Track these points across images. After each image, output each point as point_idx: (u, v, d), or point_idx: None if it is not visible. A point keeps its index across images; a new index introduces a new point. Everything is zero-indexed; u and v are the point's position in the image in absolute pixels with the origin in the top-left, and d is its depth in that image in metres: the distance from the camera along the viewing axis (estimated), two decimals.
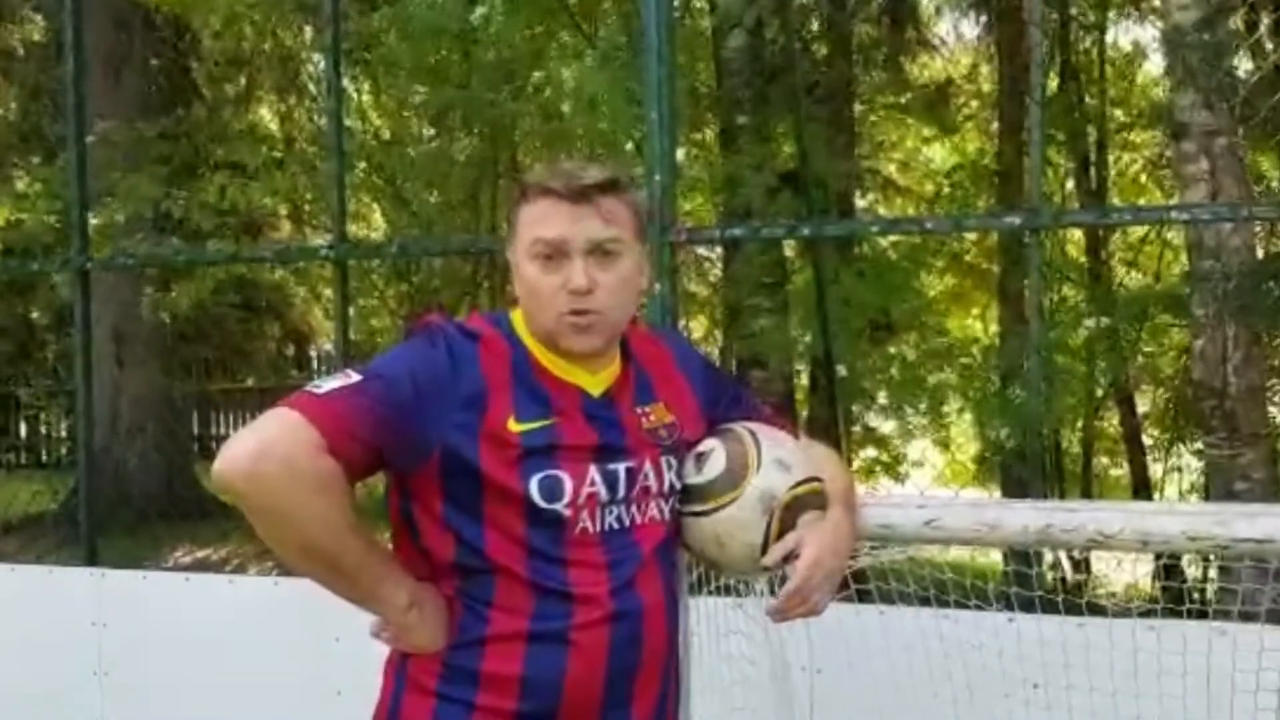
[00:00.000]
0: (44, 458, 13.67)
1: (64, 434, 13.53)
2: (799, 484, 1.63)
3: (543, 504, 1.48)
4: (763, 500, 1.60)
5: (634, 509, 1.55)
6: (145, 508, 9.41)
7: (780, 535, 1.61)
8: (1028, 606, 2.62)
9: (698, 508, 1.62)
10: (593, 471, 1.51)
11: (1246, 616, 2.43)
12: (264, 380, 15.02)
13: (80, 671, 3.45)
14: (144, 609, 3.44)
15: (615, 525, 1.53)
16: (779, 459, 1.63)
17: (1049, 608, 2.56)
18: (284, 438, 1.40)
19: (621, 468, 1.54)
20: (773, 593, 1.69)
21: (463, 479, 1.48)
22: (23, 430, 14.26)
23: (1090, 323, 6.04)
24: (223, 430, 15.32)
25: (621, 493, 1.53)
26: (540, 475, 1.48)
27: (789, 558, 1.60)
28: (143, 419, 9.89)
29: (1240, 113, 4.54)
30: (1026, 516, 1.74)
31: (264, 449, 1.40)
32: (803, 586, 1.58)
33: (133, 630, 3.43)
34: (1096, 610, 2.92)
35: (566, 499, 1.49)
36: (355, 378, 1.48)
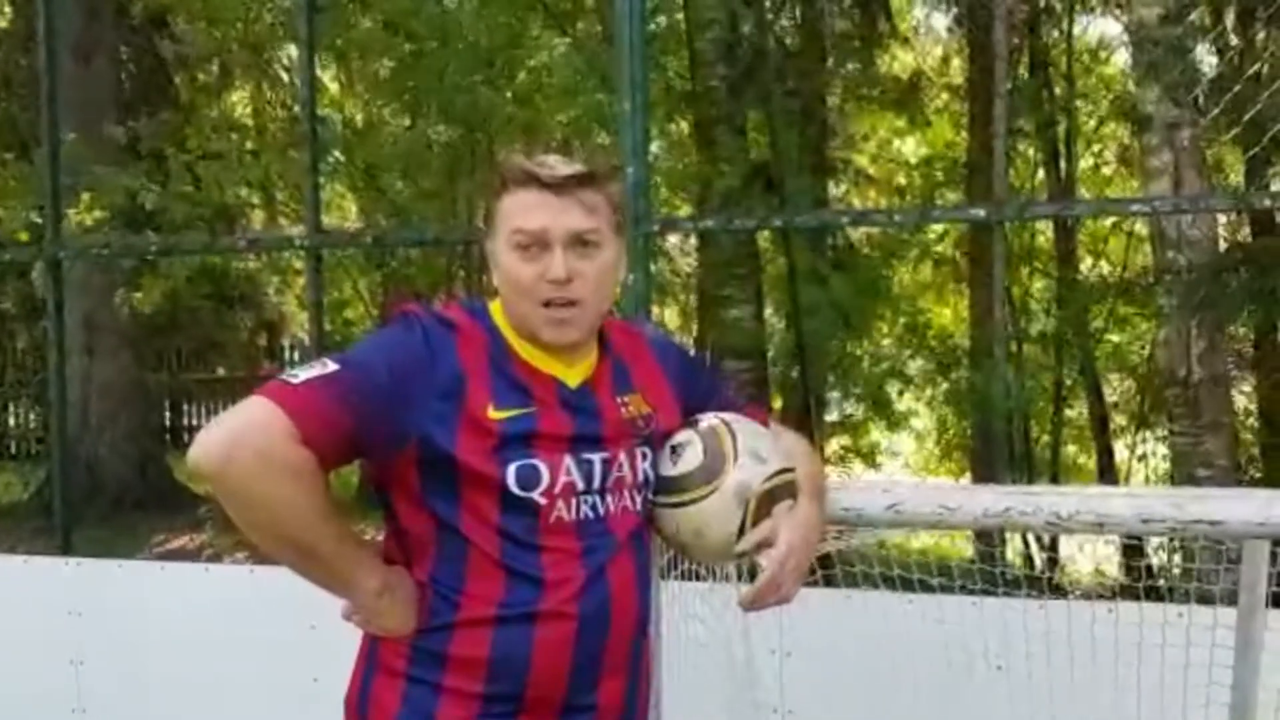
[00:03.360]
0: (13, 449, 13.53)
1: (33, 425, 13.38)
2: (773, 475, 1.66)
3: (519, 492, 1.51)
4: (739, 493, 1.63)
5: (609, 499, 1.57)
6: (119, 497, 9.37)
7: (755, 525, 1.64)
8: (991, 591, 2.69)
9: (674, 499, 1.65)
10: (568, 461, 1.54)
11: (1205, 599, 2.51)
12: (236, 370, 14.95)
13: (56, 661, 3.47)
14: (119, 598, 3.45)
15: (590, 514, 1.55)
16: (755, 451, 1.66)
17: (1012, 591, 2.63)
18: (258, 427, 1.42)
19: (597, 458, 1.56)
20: (741, 578, 1.73)
21: (440, 466, 1.50)
22: None
23: (1057, 312, 6.13)
24: (195, 420, 15.23)
25: (597, 483, 1.56)
26: (518, 463, 1.51)
27: (761, 546, 1.64)
28: (114, 409, 9.83)
29: (1203, 106, 4.64)
30: (986, 500, 1.80)
31: (238, 438, 1.41)
32: (776, 576, 1.61)
33: (108, 619, 3.45)
34: (1059, 593, 3.00)
35: (543, 487, 1.52)
36: (331, 367, 1.49)
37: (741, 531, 1.63)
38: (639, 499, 1.62)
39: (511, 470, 1.50)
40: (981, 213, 3.32)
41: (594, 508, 1.56)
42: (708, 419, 1.69)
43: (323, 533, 1.48)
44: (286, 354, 14.99)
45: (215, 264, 8.25)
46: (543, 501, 1.52)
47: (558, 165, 1.55)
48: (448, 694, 1.51)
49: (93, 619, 3.45)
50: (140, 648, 3.40)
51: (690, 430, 1.67)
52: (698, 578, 2.62)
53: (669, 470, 1.65)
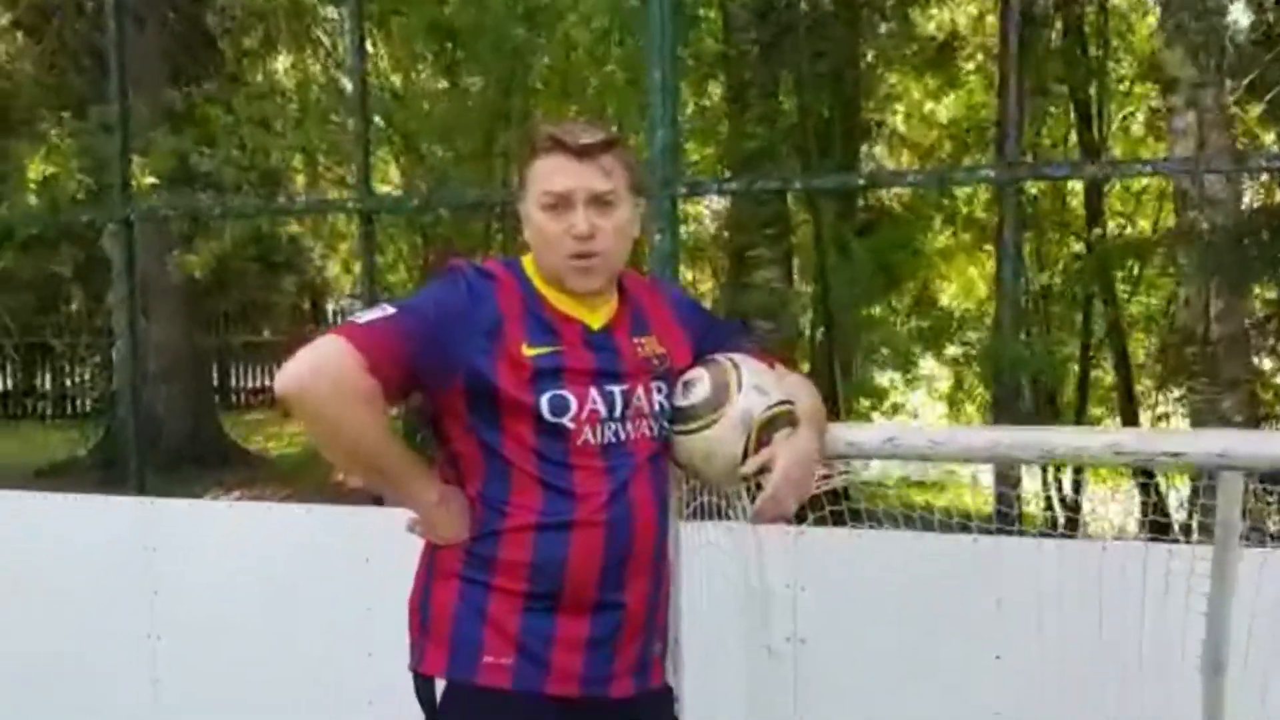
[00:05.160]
0: (71, 408, 13.96)
1: (89, 384, 13.78)
2: (773, 406, 1.88)
3: (551, 418, 1.74)
4: (742, 420, 1.85)
5: (629, 426, 1.81)
6: (174, 454, 9.74)
7: (757, 450, 1.87)
8: (989, 531, 2.87)
9: (686, 427, 1.88)
10: (593, 392, 1.77)
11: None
12: (281, 333, 15.32)
13: (132, 592, 3.68)
14: (190, 535, 3.68)
15: (613, 439, 1.79)
16: (757, 385, 1.89)
17: (1008, 529, 2.81)
18: (333, 359, 1.67)
19: (618, 390, 1.80)
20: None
21: (484, 396, 1.74)
22: (48, 382, 14.56)
23: (1082, 273, 6.23)
24: (242, 382, 15.64)
25: (618, 411, 1.79)
26: (550, 394, 1.75)
27: (764, 469, 1.86)
28: (169, 369, 10.20)
29: (1230, 68, 4.71)
30: (974, 434, 2.00)
31: (316, 369, 1.67)
32: (775, 493, 1.84)
33: (180, 554, 3.66)
34: (1064, 536, 3.17)
35: (571, 414, 1.75)
36: (391, 310, 1.75)
37: (745, 456, 1.85)
38: (655, 427, 1.84)
39: (544, 399, 1.74)
40: (991, 173, 3.46)
41: (616, 433, 1.79)
42: (716, 358, 1.92)
43: (388, 450, 1.74)
44: (330, 318, 15.34)
45: (262, 229, 8.53)
46: (572, 426, 1.75)
47: (580, 134, 1.78)
48: (497, 592, 1.76)
49: (166, 553, 3.67)
50: (210, 579, 3.61)
51: (700, 367, 1.90)
52: (718, 516, 2.84)
53: (681, 402, 1.87)
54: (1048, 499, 7.18)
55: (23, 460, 10.21)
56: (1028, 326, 6.88)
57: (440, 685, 1.79)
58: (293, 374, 1.67)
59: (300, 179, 9.84)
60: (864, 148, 8.79)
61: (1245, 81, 4.87)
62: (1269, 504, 3.28)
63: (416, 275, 7.21)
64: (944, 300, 7.75)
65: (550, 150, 1.79)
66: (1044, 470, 7.36)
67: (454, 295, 1.77)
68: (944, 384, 7.97)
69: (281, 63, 10.92)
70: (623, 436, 1.80)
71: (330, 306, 15.53)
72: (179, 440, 10.15)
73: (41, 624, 3.81)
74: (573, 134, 1.79)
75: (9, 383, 14.65)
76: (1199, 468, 2.14)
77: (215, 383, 14.40)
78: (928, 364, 7.44)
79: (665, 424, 1.87)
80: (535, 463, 1.75)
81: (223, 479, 9.37)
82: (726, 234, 8.77)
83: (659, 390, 1.86)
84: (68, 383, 14.30)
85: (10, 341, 12.75)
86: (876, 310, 7.12)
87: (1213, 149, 4.48)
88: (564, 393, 1.75)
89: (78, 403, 13.84)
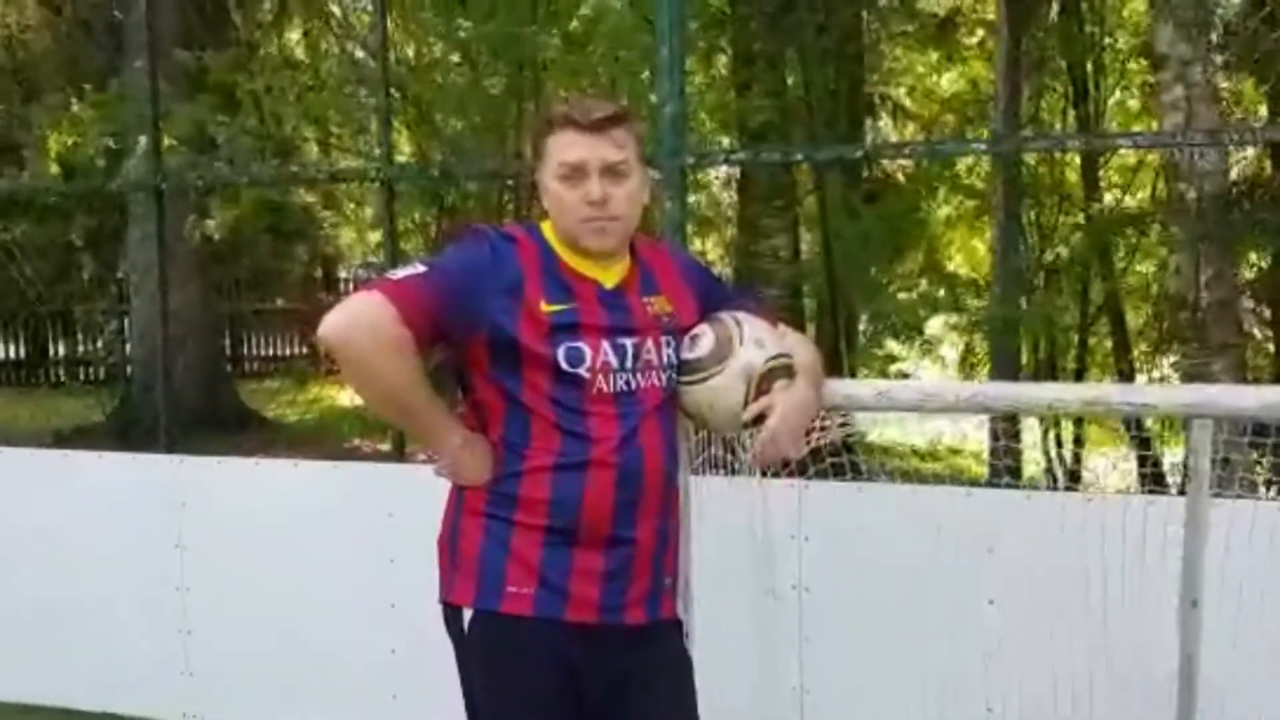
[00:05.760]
0: (85, 375, 14.08)
1: (103, 351, 13.90)
2: (772, 359, 2.05)
3: (567, 368, 1.91)
4: (744, 371, 2.03)
5: (639, 376, 1.97)
6: (190, 419, 9.89)
7: (757, 399, 2.03)
8: (980, 483, 3.03)
9: (692, 378, 2.05)
10: (605, 345, 1.94)
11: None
12: (293, 302, 15.44)
13: (162, 545, 3.84)
14: (219, 490, 3.83)
15: (624, 388, 1.95)
16: (757, 339, 2.06)
17: (997, 483, 2.97)
18: (369, 311, 1.85)
19: (629, 343, 1.96)
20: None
21: (506, 348, 1.90)
22: (61, 350, 14.69)
23: (1079, 242, 6.36)
24: (255, 350, 15.75)
25: (629, 363, 1.96)
26: (566, 346, 1.91)
27: (763, 416, 2.03)
28: (184, 335, 10.31)
29: (1219, 43, 4.82)
30: (958, 388, 2.16)
31: (353, 319, 1.85)
32: (772, 437, 2.02)
33: (209, 508, 3.81)
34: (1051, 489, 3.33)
35: (586, 365, 1.92)
36: (421, 268, 1.92)
37: (746, 404, 2.01)
38: (664, 378, 2.01)
39: (561, 351, 1.91)
40: (982, 146, 3.60)
41: (627, 383, 1.96)
42: (721, 316, 2.09)
43: (418, 395, 1.92)
44: (341, 286, 15.46)
45: (275, 197, 8.66)
46: (586, 376, 1.92)
47: (593, 109, 1.94)
48: (519, 527, 1.93)
49: (195, 508, 3.82)
50: (237, 533, 3.75)
51: (706, 324, 2.07)
52: (727, 470, 3.00)
53: (687, 355, 2.04)
54: (1048, 459, 7.36)
55: (39, 426, 10.36)
56: (1028, 294, 7.03)
57: (467, 615, 1.96)
58: (333, 323, 1.85)
59: (312, 148, 9.95)
60: (868, 120, 8.89)
61: (1233, 57, 4.97)
62: (1260, 460, 3.43)
63: (431, 243, 7.35)
64: (949, 268, 7.86)
65: (565, 126, 1.94)
66: (1044, 435, 7.54)
67: (479, 255, 1.93)
68: (951, 352, 8.11)
69: (294, 34, 11.00)
70: (633, 386, 1.96)
71: (343, 274, 15.62)
72: (194, 406, 10.25)
73: (74, 578, 3.96)
74: (586, 109, 1.95)
75: (23, 350, 14.79)
76: (1168, 417, 2.28)
77: (228, 350, 14.51)
78: (933, 327, 7.58)
79: (673, 375, 2.03)
80: (553, 409, 1.91)
81: (238, 445, 9.52)
82: (736, 200, 8.90)
83: (668, 344, 2.02)
84: (80, 349, 14.41)
85: (26, 310, 12.88)
86: (882, 277, 7.26)
87: (1201, 123, 4.60)
88: (579, 345, 1.92)
89: (91, 370, 13.95)
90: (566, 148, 1.94)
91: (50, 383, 14.26)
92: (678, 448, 2.11)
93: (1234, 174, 5.89)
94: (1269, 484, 3.26)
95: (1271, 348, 7.10)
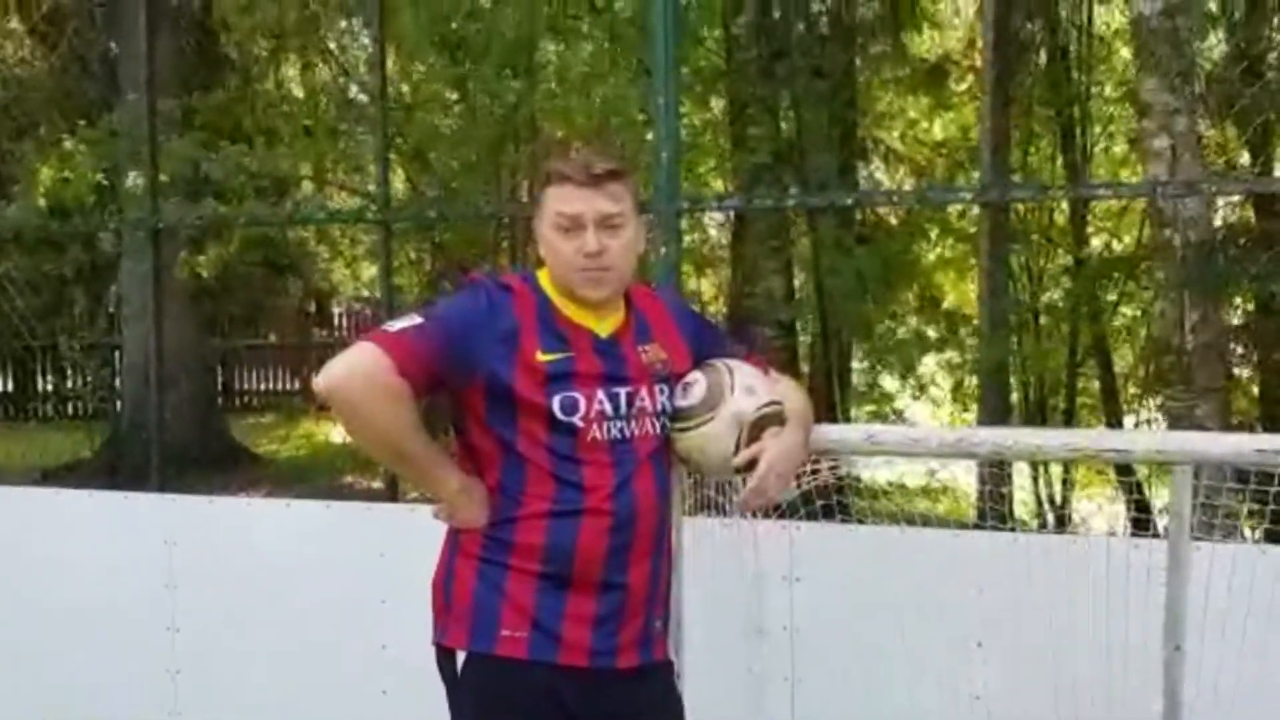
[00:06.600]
0: (73, 410, 13.99)
1: (92, 387, 13.81)
2: (763, 406, 2.09)
3: (562, 417, 1.95)
4: (735, 419, 2.07)
5: (633, 424, 2.01)
6: (180, 456, 9.85)
7: (748, 445, 2.07)
8: (966, 526, 3.06)
9: (685, 425, 2.08)
10: (600, 394, 1.97)
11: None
12: (286, 337, 15.44)
13: (152, 585, 3.79)
14: (210, 530, 3.81)
15: (618, 436, 1.99)
16: (749, 386, 2.10)
17: (982, 525, 3.00)
18: (365, 361, 1.90)
19: (623, 391, 2.00)
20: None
21: (502, 396, 1.94)
22: (50, 384, 14.60)
23: (1068, 287, 6.44)
24: (246, 385, 15.70)
25: (623, 411, 2.00)
26: (561, 395, 1.95)
27: (753, 462, 2.06)
28: (175, 372, 10.31)
29: (1201, 94, 4.91)
30: (943, 433, 2.20)
31: (351, 369, 1.90)
32: (760, 484, 2.06)
33: (200, 549, 3.78)
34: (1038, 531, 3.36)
35: (580, 414, 1.95)
36: (418, 319, 1.96)
37: (737, 450, 2.05)
38: (657, 425, 2.05)
39: (556, 400, 1.95)
40: (969, 195, 3.67)
41: (621, 431, 1.99)
42: (714, 363, 2.13)
43: (414, 441, 1.95)
44: (335, 322, 15.47)
45: (266, 233, 8.68)
46: (581, 425, 1.96)
47: (591, 164, 1.99)
48: (514, 572, 1.96)
49: (186, 548, 3.79)
50: (228, 573, 3.73)
51: (698, 372, 2.12)
52: (719, 512, 3.03)
53: (680, 402, 2.09)
54: (1037, 501, 7.40)
55: (27, 462, 10.30)
56: (1018, 336, 7.11)
57: (461, 657, 1.98)
58: (330, 373, 1.90)
59: (307, 185, 10.00)
60: (861, 164, 9.00)
61: (1216, 106, 5.08)
62: (1243, 502, 3.48)
63: (425, 278, 7.40)
64: (943, 307, 7.93)
65: (563, 180, 2.00)
66: (1034, 480, 7.58)
67: (475, 306, 1.98)
68: (943, 393, 8.17)
69: (291, 70, 11.07)
70: (627, 434, 2.00)
71: (336, 309, 15.62)
72: (185, 443, 10.23)
73: (63, 617, 3.92)
74: (584, 164, 2.00)
75: (10, 384, 14.74)
76: (1140, 464, 2.32)
77: (220, 386, 14.48)
78: (928, 365, 7.63)
79: (666, 422, 2.07)
80: (547, 457, 1.95)
81: (229, 481, 9.50)
82: (730, 244, 8.98)
83: (661, 392, 2.06)
84: (69, 385, 14.33)
85: (19, 344, 12.85)
86: (875, 317, 7.33)
87: (1185, 170, 4.67)
88: (574, 394, 1.95)
89: (79, 405, 13.88)
90: (564, 200, 1.99)
91: (39, 418, 14.20)
92: (671, 492, 2.14)
93: (1218, 220, 5.97)
94: (1252, 528, 3.30)
95: (1256, 390, 7.18)
